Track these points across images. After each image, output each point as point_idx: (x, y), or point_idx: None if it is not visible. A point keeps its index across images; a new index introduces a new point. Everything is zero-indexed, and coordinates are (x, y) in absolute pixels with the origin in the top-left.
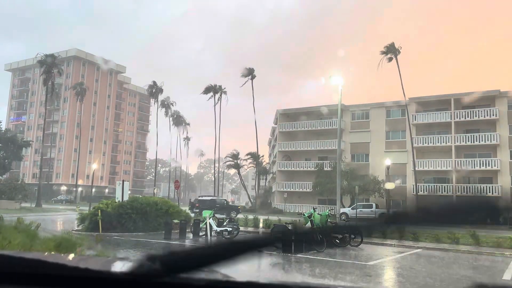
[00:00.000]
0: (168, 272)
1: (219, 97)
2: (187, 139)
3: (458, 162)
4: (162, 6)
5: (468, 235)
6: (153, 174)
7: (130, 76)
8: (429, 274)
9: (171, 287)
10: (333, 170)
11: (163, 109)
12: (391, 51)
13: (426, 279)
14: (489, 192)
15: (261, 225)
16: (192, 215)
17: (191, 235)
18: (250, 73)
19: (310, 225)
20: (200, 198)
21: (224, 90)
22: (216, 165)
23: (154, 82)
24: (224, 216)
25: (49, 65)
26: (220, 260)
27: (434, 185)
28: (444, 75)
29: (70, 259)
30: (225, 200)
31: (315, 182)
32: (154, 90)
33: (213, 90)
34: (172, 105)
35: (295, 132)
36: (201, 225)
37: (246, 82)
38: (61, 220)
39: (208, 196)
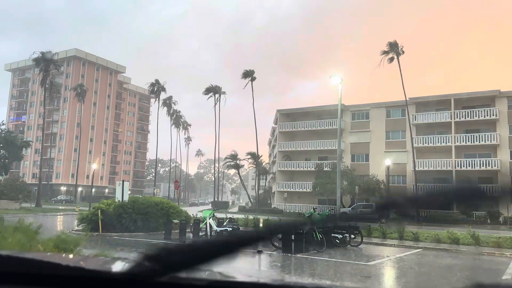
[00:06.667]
0: (168, 271)
1: (218, 98)
2: (187, 139)
3: (458, 162)
4: (161, 6)
5: (469, 235)
6: (153, 174)
7: (130, 76)
8: (429, 274)
9: (171, 287)
10: (333, 170)
11: (164, 109)
12: (393, 49)
13: (427, 279)
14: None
15: (261, 225)
16: None
17: (191, 235)
18: (250, 74)
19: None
20: None
21: (223, 92)
22: (216, 165)
23: (157, 81)
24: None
25: (47, 63)
26: (218, 256)
27: (434, 185)
28: (444, 75)
29: (70, 259)
30: None
31: (315, 182)
32: (155, 89)
33: (213, 90)
34: (174, 104)
35: (295, 132)
36: (201, 225)
37: (247, 84)
38: (61, 220)
39: None
